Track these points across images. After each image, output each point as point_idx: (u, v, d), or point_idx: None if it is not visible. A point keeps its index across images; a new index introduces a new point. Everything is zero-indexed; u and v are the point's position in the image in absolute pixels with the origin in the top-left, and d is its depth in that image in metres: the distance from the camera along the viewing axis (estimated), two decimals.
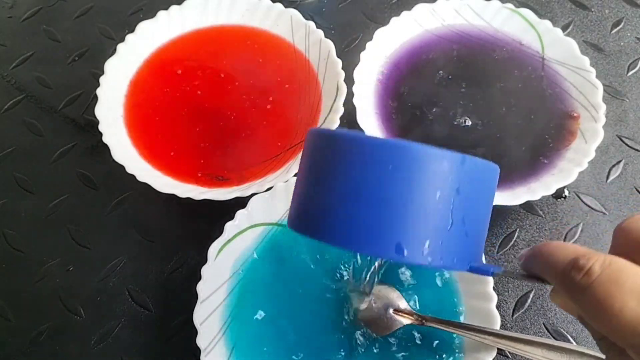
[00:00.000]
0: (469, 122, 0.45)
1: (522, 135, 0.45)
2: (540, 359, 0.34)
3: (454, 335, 0.36)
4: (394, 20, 0.48)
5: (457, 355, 0.36)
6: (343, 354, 0.36)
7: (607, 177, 0.46)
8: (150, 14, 0.49)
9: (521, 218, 0.45)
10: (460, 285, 0.38)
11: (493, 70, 0.48)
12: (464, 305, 0.37)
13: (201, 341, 0.35)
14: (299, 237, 0.39)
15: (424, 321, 0.36)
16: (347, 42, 0.54)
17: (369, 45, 0.47)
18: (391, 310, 0.36)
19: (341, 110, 0.44)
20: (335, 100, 0.44)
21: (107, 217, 0.46)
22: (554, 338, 0.40)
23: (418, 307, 0.37)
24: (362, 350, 0.36)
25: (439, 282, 0.38)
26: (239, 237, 0.39)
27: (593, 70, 0.45)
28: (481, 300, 0.36)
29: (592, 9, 0.55)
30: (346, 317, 0.37)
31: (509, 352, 0.39)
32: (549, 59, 0.48)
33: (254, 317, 0.37)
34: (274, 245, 0.40)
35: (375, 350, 0.36)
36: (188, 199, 0.41)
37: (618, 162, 0.47)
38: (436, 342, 0.36)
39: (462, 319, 0.37)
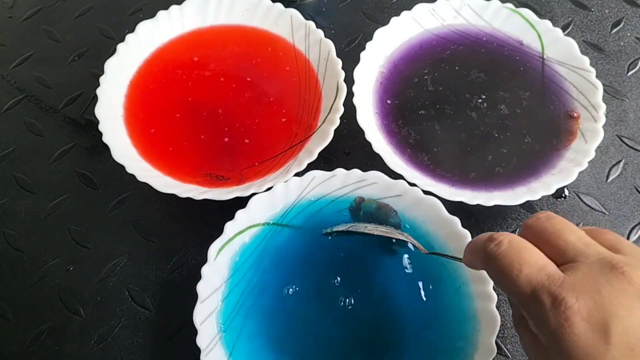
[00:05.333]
0: (468, 122, 0.45)
1: (521, 135, 0.45)
2: None
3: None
4: (394, 20, 0.48)
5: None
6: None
7: (607, 177, 0.46)
8: (150, 14, 0.49)
9: (521, 218, 0.45)
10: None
11: (493, 70, 0.48)
12: None
13: (201, 341, 0.35)
14: (297, 237, 0.40)
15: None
16: (347, 42, 0.54)
17: (369, 45, 0.47)
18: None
19: (341, 110, 0.44)
20: (335, 100, 0.44)
21: (107, 217, 0.46)
22: None
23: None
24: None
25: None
26: (239, 237, 0.39)
27: (593, 70, 0.45)
28: (483, 300, 0.36)
29: (592, 9, 0.55)
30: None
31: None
32: (549, 59, 0.48)
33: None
34: (273, 244, 0.40)
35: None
36: (188, 199, 0.40)
37: (618, 162, 0.47)
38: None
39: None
